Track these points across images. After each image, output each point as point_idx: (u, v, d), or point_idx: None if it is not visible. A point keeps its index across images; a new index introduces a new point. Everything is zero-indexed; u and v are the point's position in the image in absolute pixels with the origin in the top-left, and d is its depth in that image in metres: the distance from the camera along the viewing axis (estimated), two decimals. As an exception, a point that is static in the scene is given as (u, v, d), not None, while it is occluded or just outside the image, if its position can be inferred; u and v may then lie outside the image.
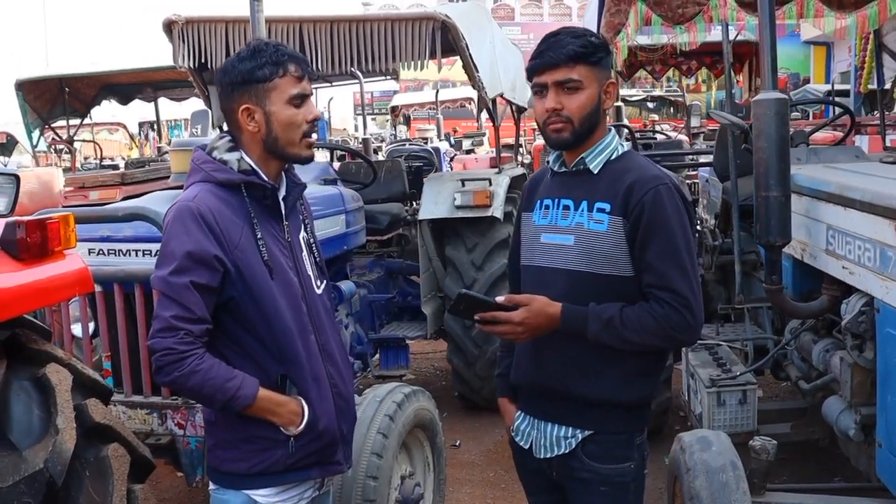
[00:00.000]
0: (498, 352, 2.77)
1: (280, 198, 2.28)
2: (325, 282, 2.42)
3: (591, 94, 2.24)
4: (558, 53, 2.21)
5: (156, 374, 2.13)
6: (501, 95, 6.15)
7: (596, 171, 2.28)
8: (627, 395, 2.29)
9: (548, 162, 2.40)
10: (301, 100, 2.20)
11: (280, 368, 2.19)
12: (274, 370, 2.19)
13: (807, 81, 22.41)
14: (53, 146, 12.91)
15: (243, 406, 2.12)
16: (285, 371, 2.20)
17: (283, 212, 2.30)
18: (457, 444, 5.32)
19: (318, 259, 2.40)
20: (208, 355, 2.10)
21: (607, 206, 2.22)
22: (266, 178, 2.23)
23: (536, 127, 2.37)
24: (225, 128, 2.31)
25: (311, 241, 2.40)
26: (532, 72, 2.28)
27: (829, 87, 13.78)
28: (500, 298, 2.23)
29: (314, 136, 2.30)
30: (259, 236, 2.18)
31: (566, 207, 2.29)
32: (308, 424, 2.20)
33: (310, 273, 2.33)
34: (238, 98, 2.19)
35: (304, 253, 2.34)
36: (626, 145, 2.37)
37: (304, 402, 2.20)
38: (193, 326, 2.07)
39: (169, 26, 5.22)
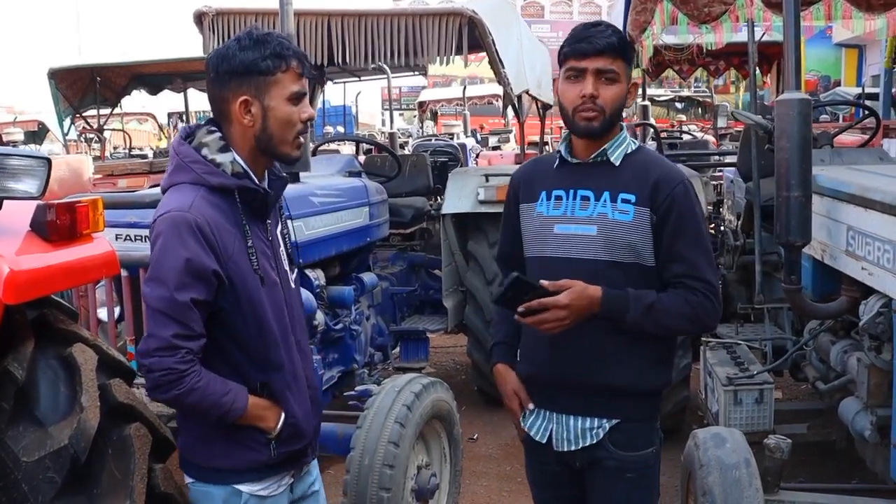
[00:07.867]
0: (493, 324, 2.74)
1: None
2: (296, 271, 2.36)
3: (623, 89, 2.29)
4: (604, 42, 2.23)
5: (151, 391, 2.04)
6: (527, 92, 6.15)
7: (617, 164, 2.32)
8: (650, 382, 2.35)
9: (559, 152, 2.40)
10: (299, 98, 2.10)
11: (261, 376, 2.13)
12: (254, 377, 2.13)
13: (837, 84, 22.09)
14: (84, 135, 13.06)
15: (236, 417, 2.08)
16: (266, 378, 2.14)
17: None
18: (474, 437, 5.35)
19: (289, 250, 2.32)
20: (204, 371, 2.03)
21: (632, 198, 2.27)
22: (258, 181, 2.14)
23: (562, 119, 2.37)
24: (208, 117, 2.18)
25: (285, 231, 2.33)
26: (571, 55, 2.27)
27: (859, 90, 13.62)
28: (543, 282, 2.20)
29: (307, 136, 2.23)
30: (250, 244, 2.09)
31: (585, 198, 2.31)
32: (287, 427, 2.16)
33: (287, 268, 2.26)
34: (236, 88, 2.06)
35: (282, 248, 2.27)
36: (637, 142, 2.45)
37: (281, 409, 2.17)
38: (193, 343, 2.00)
39: (200, 18, 5.27)
